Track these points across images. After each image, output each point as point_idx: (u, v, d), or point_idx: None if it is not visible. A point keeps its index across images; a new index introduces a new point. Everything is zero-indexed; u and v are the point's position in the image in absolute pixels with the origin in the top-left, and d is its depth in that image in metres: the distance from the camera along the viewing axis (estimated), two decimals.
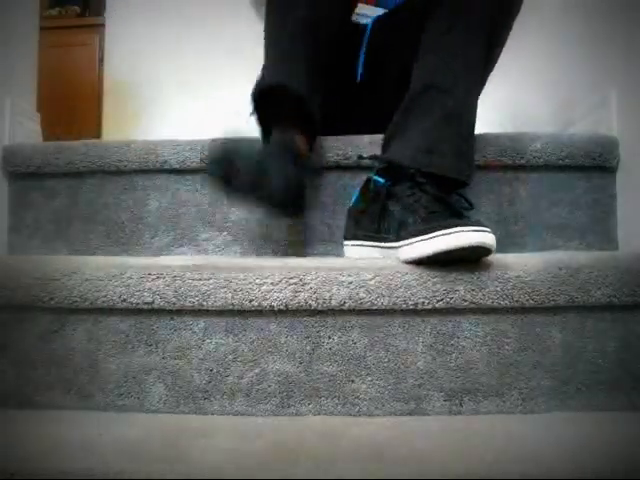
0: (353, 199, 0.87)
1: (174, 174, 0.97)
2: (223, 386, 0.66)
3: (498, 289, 0.64)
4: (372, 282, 0.64)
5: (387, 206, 0.78)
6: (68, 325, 0.67)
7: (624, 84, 0.95)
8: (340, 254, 0.89)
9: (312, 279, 0.65)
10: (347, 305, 0.64)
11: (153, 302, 0.65)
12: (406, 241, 0.68)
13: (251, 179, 0.79)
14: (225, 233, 0.96)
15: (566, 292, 0.65)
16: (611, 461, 0.51)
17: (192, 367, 0.66)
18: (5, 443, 0.56)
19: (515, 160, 0.94)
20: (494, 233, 0.63)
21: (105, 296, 0.65)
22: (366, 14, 0.99)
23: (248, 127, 0.90)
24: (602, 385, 0.65)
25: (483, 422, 0.63)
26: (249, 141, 0.84)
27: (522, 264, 0.66)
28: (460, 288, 0.64)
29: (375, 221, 0.79)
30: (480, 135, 0.89)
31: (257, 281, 0.65)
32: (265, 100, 0.86)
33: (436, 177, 0.77)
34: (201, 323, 0.66)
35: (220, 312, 0.66)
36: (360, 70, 0.99)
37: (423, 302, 0.64)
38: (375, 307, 0.64)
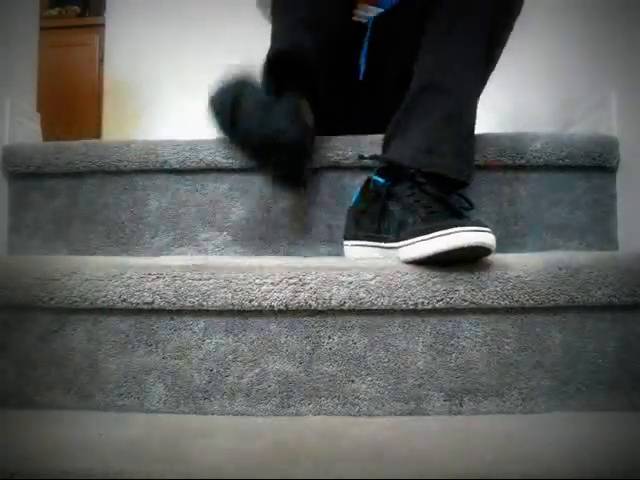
0: (353, 199, 0.87)
1: (174, 174, 0.97)
2: (223, 386, 0.66)
3: (498, 289, 0.64)
4: (372, 282, 0.64)
5: (387, 206, 0.78)
6: (68, 325, 0.67)
7: (624, 84, 0.95)
8: (340, 254, 0.89)
9: (312, 279, 0.65)
10: (347, 305, 0.64)
11: (153, 302, 0.65)
12: (406, 241, 0.68)
13: (256, 117, 0.78)
14: (225, 233, 0.96)
15: (566, 292, 0.65)
16: (611, 461, 0.51)
17: (192, 367, 0.66)
18: (5, 443, 0.56)
19: (515, 160, 0.94)
20: (494, 233, 0.63)
21: (105, 296, 0.65)
22: (366, 14, 1.00)
23: None
24: (602, 385, 0.65)
25: (483, 422, 0.63)
26: (257, 84, 0.83)
27: (522, 264, 0.66)
28: (460, 288, 0.64)
29: (375, 221, 0.79)
30: (480, 135, 0.89)
31: (257, 281, 0.65)
32: (276, 66, 0.85)
33: (436, 177, 0.77)
34: (201, 323, 0.66)
35: (220, 312, 0.66)
36: (362, 69, 0.99)
37: (423, 302, 0.64)
38: (375, 307, 0.64)
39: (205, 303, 0.65)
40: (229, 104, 0.79)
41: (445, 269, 0.65)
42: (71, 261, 0.71)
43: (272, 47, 0.87)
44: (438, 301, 0.64)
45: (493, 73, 0.88)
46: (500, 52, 0.86)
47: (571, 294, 0.65)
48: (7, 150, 1.00)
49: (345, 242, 0.86)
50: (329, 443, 0.57)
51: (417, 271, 0.65)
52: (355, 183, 0.92)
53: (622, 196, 0.94)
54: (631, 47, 0.93)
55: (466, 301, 0.64)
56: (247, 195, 0.96)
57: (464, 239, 0.61)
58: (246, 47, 1.09)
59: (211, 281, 0.65)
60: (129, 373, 0.66)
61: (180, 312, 0.66)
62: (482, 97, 0.86)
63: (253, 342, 0.66)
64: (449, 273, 0.65)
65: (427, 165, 0.77)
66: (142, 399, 0.66)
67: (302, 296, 0.64)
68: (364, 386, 0.65)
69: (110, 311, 0.67)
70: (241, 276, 0.65)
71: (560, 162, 0.94)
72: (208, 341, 0.66)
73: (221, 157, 0.96)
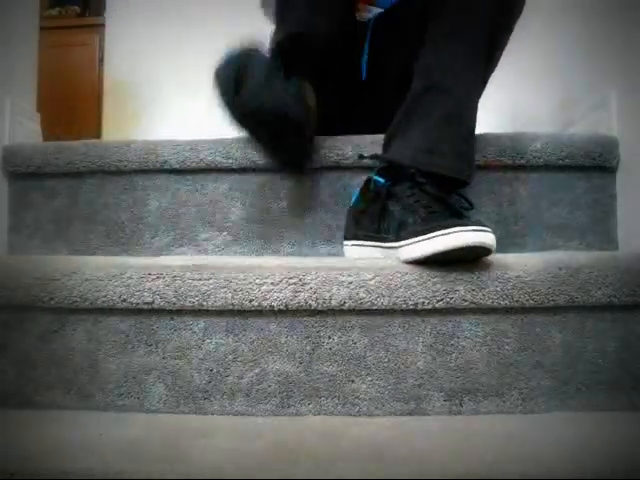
0: (353, 199, 0.87)
1: (174, 174, 0.97)
2: (223, 386, 0.66)
3: (498, 289, 0.64)
4: (372, 282, 0.64)
5: (387, 206, 0.78)
6: (68, 325, 0.67)
7: (624, 84, 0.95)
8: (340, 254, 0.89)
9: (312, 279, 0.65)
10: (347, 305, 0.64)
11: (153, 302, 0.65)
12: (406, 241, 0.68)
13: (260, 88, 0.78)
14: (225, 233, 0.96)
15: (566, 292, 0.65)
16: (611, 461, 0.51)
17: (192, 367, 0.66)
18: (5, 443, 0.56)
19: (515, 160, 0.94)
20: (494, 233, 0.63)
21: (105, 296, 0.65)
22: (367, 14, 1.00)
23: None
24: (602, 385, 0.65)
25: (483, 422, 0.63)
26: (262, 57, 0.83)
27: (522, 264, 0.66)
28: (460, 288, 0.64)
29: (375, 221, 0.79)
30: (480, 135, 0.89)
31: (257, 281, 0.65)
32: (288, 49, 0.85)
33: (436, 177, 0.77)
34: (201, 323, 0.66)
35: (220, 312, 0.66)
36: (364, 69, 0.99)
37: (423, 302, 0.64)
38: (375, 307, 0.64)
39: (205, 303, 0.65)
40: (234, 74, 0.79)
41: (445, 269, 0.65)
42: (71, 261, 0.71)
43: (283, 30, 0.86)
44: (438, 301, 0.64)
45: (493, 74, 0.88)
46: (501, 53, 0.86)
47: (571, 294, 0.65)
48: (7, 150, 1.00)
49: (345, 242, 0.86)
50: (329, 443, 0.57)
51: (417, 271, 0.65)
52: (355, 183, 0.92)
53: (622, 196, 0.94)
54: (630, 47, 0.93)
55: (466, 301, 0.64)
56: (247, 195, 0.96)
57: (464, 239, 0.61)
58: None
59: (211, 281, 0.65)
60: (129, 373, 0.66)
61: (180, 312, 0.66)
62: (482, 97, 0.86)
63: (253, 342, 0.66)
64: (449, 273, 0.65)
65: (427, 165, 0.77)
66: (142, 399, 0.66)
67: (302, 296, 0.64)
68: (364, 386, 0.65)
69: (110, 311, 0.67)
70: (241, 276, 0.65)
71: (560, 162, 0.94)
72: (208, 341, 0.66)
73: (221, 157, 0.96)
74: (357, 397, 0.65)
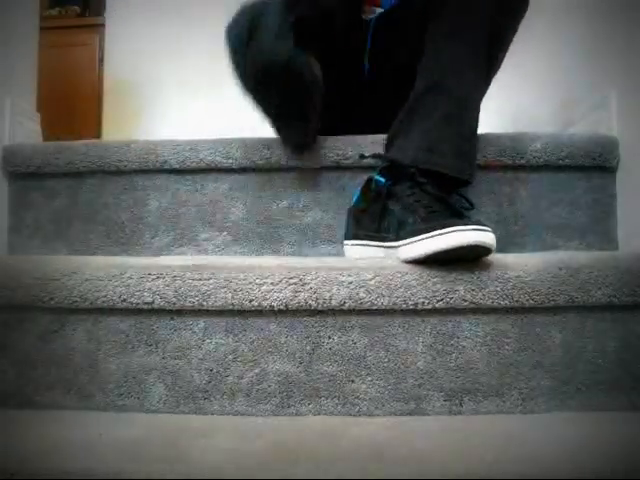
0: (354, 199, 0.87)
1: (174, 174, 0.97)
2: (223, 386, 0.66)
3: (498, 289, 0.64)
4: (372, 282, 0.64)
5: (387, 206, 0.78)
6: (68, 325, 0.67)
7: (624, 84, 0.95)
8: (340, 254, 0.89)
9: (312, 279, 0.65)
10: (347, 305, 0.64)
11: (153, 302, 0.65)
12: (406, 240, 0.68)
13: (273, 36, 0.78)
14: (225, 233, 0.96)
15: (566, 292, 0.65)
16: (611, 461, 0.51)
17: (192, 367, 0.66)
18: (5, 443, 0.56)
19: (515, 160, 0.94)
20: (494, 233, 0.63)
21: (105, 296, 0.65)
22: (369, 15, 1.00)
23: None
24: (602, 385, 0.65)
25: (483, 422, 0.63)
26: (274, 15, 0.82)
27: (522, 264, 0.66)
28: (460, 288, 0.64)
29: (375, 220, 0.80)
30: (480, 135, 0.89)
31: (257, 281, 0.65)
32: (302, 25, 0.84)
33: (437, 177, 0.77)
34: (201, 323, 0.66)
35: (220, 312, 0.66)
36: (367, 69, 0.99)
37: (423, 302, 0.64)
38: (375, 307, 0.64)
39: (205, 303, 0.65)
40: (247, 24, 0.79)
41: (445, 269, 0.65)
42: (71, 261, 0.71)
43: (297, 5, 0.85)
44: (438, 301, 0.64)
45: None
46: (504, 53, 0.86)
47: (571, 294, 0.65)
48: (7, 150, 1.00)
49: (345, 242, 0.86)
50: (329, 443, 0.57)
51: (417, 271, 0.65)
52: (355, 183, 0.92)
53: (622, 196, 0.94)
54: (631, 47, 0.93)
55: (466, 301, 0.64)
56: (247, 195, 0.96)
57: (464, 238, 0.61)
58: None
59: (211, 281, 0.65)
60: (129, 373, 0.66)
61: (180, 312, 0.66)
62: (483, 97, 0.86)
63: (253, 342, 0.66)
64: (449, 273, 0.65)
65: (427, 163, 0.77)
66: (142, 399, 0.66)
67: (302, 296, 0.64)
68: (364, 386, 0.65)
69: (110, 311, 0.67)
70: (241, 276, 0.65)
71: (560, 162, 0.94)
72: (208, 341, 0.66)
73: (221, 157, 0.96)
74: (357, 397, 0.65)
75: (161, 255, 0.94)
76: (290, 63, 0.79)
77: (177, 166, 0.96)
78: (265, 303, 0.64)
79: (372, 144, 0.92)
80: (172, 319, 0.67)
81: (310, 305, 0.64)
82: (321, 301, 0.64)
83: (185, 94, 2.55)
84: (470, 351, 0.66)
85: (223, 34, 0.83)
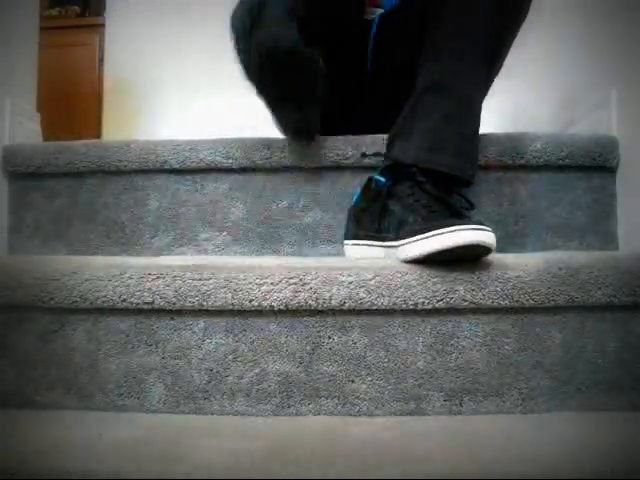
0: (354, 199, 0.87)
1: (174, 174, 0.97)
2: (223, 386, 0.66)
3: (498, 289, 0.64)
4: (372, 282, 0.64)
5: (388, 205, 0.78)
6: (68, 325, 0.67)
7: (624, 84, 0.95)
8: (340, 254, 0.89)
9: (312, 279, 0.65)
10: (347, 305, 0.64)
11: (153, 302, 0.65)
12: (406, 240, 0.68)
13: (278, 20, 0.79)
14: (225, 233, 0.96)
15: (566, 292, 0.65)
16: (611, 461, 0.51)
17: (192, 367, 0.66)
18: (5, 443, 0.56)
19: (515, 160, 0.94)
20: (494, 233, 0.63)
21: (105, 296, 0.65)
22: (371, 16, 1.00)
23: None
24: (602, 385, 0.65)
25: (483, 422, 0.63)
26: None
27: (522, 264, 0.66)
28: (460, 288, 0.64)
29: (375, 220, 0.80)
30: (481, 135, 0.89)
31: (257, 281, 0.65)
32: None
33: (438, 177, 0.77)
34: (201, 323, 0.66)
35: (220, 312, 0.66)
36: (369, 68, 0.99)
37: (423, 302, 0.64)
38: (375, 307, 0.64)
39: (205, 303, 0.65)
40: (250, 8, 0.79)
41: (445, 269, 0.65)
42: (71, 261, 0.71)
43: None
44: (438, 301, 0.64)
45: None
46: (504, 54, 0.86)
47: (571, 294, 0.65)
48: (7, 150, 1.00)
49: (345, 241, 0.86)
50: (329, 443, 0.57)
51: (417, 271, 0.65)
52: (355, 183, 0.92)
53: (622, 196, 0.94)
54: (631, 47, 0.93)
55: (466, 301, 0.64)
56: (247, 195, 0.96)
57: (464, 237, 0.61)
58: None
59: (211, 281, 0.65)
60: (129, 373, 0.66)
61: (180, 312, 0.66)
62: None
63: (253, 342, 0.66)
64: (449, 273, 0.65)
65: (428, 162, 0.77)
66: (142, 399, 0.66)
67: (302, 296, 0.64)
68: (364, 386, 0.65)
69: (110, 311, 0.67)
70: (241, 276, 0.65)
71: (560, 162, 0.94)
72: (208, 341, 0.66)
73: (221, 157, 0.96)
74: (357, 397, 0.65)
75: (161, 255, 0.94)
76: (295, 47, 0.80)
77: (177, 166, 0.96)
78: (265, 303, 0.64)
79: (372, 144, 0.92)
80: (172, 319, 0.67)
81: (310, 305, 0.64)
82: (321, 301, 0.64)
83: (185, 94, 2.56)
84: (470, 351, 0.66)
85: (223, 33, 0.83)
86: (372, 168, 0.88)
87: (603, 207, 0.94)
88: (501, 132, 0.98)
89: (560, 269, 0.65)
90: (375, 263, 0.67)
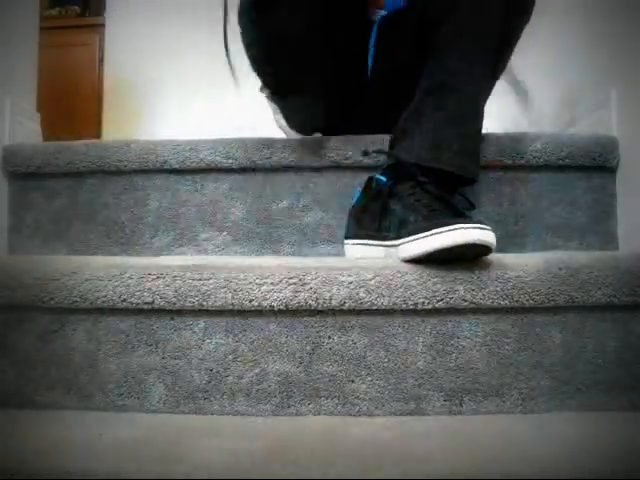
0: (355, 198, 0.87)
1: (174, 174, 0.97)
2: (223, 386, 0.66)
3: (498, 289, 0.64)
4: (372, 282, 0.64)
5: (388, 205, 0.78)
6: (68, 325, 0.67)
7: (624, 84, 0.95)
8: (340, 254, 0.89)
9: (312, 279, 0.65)
10: (347, 305, 0.64)
11: (153, 302, 0.65)
12: (406, 239, 0.68)
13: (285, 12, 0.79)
14: (225, 233, 0.96)
15: (566, 292, 0.65)
16: (611, 461, 0.51)
17: (192, 367, 0.66)
18: (5, 443, 0.56)
19: (515, 160, 0.94)
20: (494, 232, 0.63)
21: (105, 296, 0.65)
22: (374, 17, 1.00)
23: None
24: (602, 385, 0.65)
25: (483, 422, 0.63)
26: None
27: (522, 264, 0.66)
28: (460, 288, 0.64)
29: (376, 219, 0.80)
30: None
31: (257, 281, 0.65)
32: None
33: (439, 176, 0.77)
34: (201, 323, 0.66)
35: (220, 312, 0.66)
36: (369, 68, 0.99)
37: (423, 302, 0.64)
38: (375, 307, 0.64)
39: (205, 303, 0.65)
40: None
41: (445, 269, 0.65)
42: (71, 261, 0.71)
43: None
44: (438, 301, 0.64)
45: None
46: (509, 54, 0.87)
47: (571, 294, 0.65)
48: (7, 150, 1.00)
49: (346, 241, 0.86)
50: (329, 443, 0.57)
51: (417, 271, 0.65)
52: (355, 183, 0.92)
53: (622, 196, 0.94)
54: (631, 47, 0.93)
55: (466, 301, 0.64)
56: (247, 195, 0.96)
57: (464, 236, 0.61)
58: None
59: (211, 281, 0.65)
60: (129, 373, 0.66)
61: (180, 312, 0.66)
62: None
63: (253, 342, 0.66)
64: (449, 273, 0.65)
65: (432, 161, 0.77)
66: (142, 399, 0.66)
67: (302, 296, 0.64)
68: (364, 386, 0.65)
69: (110, 311, 0.67)
70: (241, 276, 0.65)
71: (560, 162, 0.94)
72: (208, 341, 0.66)
73: (221, 157, 0.96)
74: (357, 397, 0.65)
75: (161, 255, 0.94)
76: (305, 34, 0.80)
77: (177, 166, 0.96)
78: (265, 303, 0.64)
79: (372, 144, 0.92)
80: (172, 319, 0.67)
81: (310, 305, 0.64)
82: (321, 301, 0.64)
83: (185, 94, 2.56)
84: (470, 351, 0.66)
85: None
86: (372, 168, 0.88)
87: (603, 207, 0.94)
88: (501, 132, 0.98)
89: (560, 269, 0.65)
90: (375, 263, 0.67)
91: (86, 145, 0.99)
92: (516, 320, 0.66)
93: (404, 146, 0.82)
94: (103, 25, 2.81)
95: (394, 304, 0.64)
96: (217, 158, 0.96)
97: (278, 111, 1.02)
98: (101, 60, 2.82)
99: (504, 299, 0.64)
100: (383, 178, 0.80)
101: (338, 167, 0.95)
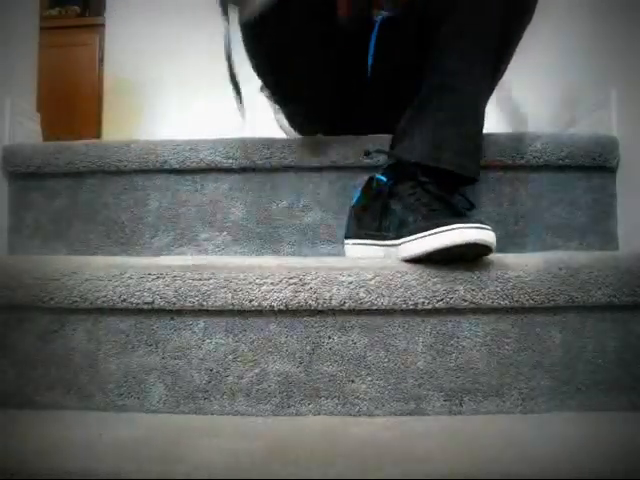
0: (355, 198, 0.87)
1: (174, 174, 0.97)
2: (223, 386, 0.66)
3: (498, 289, 0.64)
4: (372, 282, 0.64)
5: (389, 204, 0.78)
6: (68, 325, 0.67)
7: (624, 84, 0.95)
8: (340, 254, 0.89)
9: (312, 279, 0.65)
10: (347, 305, 0.64)
11: (153, 302, 0.65)
12: (406, 238, 0.68)
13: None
14: (225, 233, 0.96)
15: (566, 292, 0.65)
16: (611, 461, 0.51)
17: (192, 367, 0.66)
18: (5, 443, 0.56)
19: (515, 160, 0.94)
20: (494, 232, 0.63)
21: (105, 296, 0.65)
22: (375, 18, 1.00)
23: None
24: (602, 385, 0.65)
25: (483, 422, 0.63)
26: None
27: (522, 264, 0.66)
28: (460, 288, 0.64)
29: (376, 219, 0.80)
30: None
31: (257, 281, 0.65)
32: None
33: (440, 176, 0.77)
34: (201, 323, 0.66)
35: (220, 312, 0.66)
36: (369, 69, 0.99)
37: (423, 302, 0.64)
38: (375, 307, 0.64)
39: (205, 303, 0.65)
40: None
41: (445, 269, 0.65)
42: (71, 261, 0.71)
43: None
44: (438, 301, 0.64)
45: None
46: (510, 55, 0.86)
47: (571, 294, 0.65)
48: (7, 150, 1.00)
49: (346, 241, 0.86)
50: (329, 443, 0.57)
51: (417, 271, 0.65)
52: (355, 183, 0.92)
53: (622, 196, 0.94)
54: (631, 47, 0.93)
55: (466, 301, 0.64)
56: (247, 195, 0.96)
57: (464, 236, 0.61)
58: None
59: (211, 281, 0.65)
60: (129, 373, 0.66)
61: (180, 312, 0.66)
62: None
63: (253, 342, 0.66)
64: (449, 273, 0.65)
65: (433, 161, 0.78)
66: (142, 399, 0.66)
67: (302, 296, 0.64)
68: (364, 386, 0.65)
69: (110, 311, 0.67)
70: (241, 276, 0.65)
71: (560, 162, 0.94)
72: (208, 341, 0.66)
73: (221, 157, 0.96)
74: (357, 397, 0.65)
75: (161, 255, 0.94)
76: (302, 46, 0.80)
77: (177, 166, 0.96)
78: (265, 303, 0.64)
79: (372, 144, 0.92)
80: (172, 319, 0.67)
81: (310, 305, 0.64)
82: (321, 301, 0.64)
83: (185, 94, 2.56)
84: (470, 351, 0.66)
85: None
86: (372, 168, 0.88)
87: (603, 207, 0.94)
88: (501, 132, 0.98)
89: (560, 269, 0.65)
90: (375, 263, 0.67)
91: (86, 145, 0.99)
92: (516, 320, 0.66)
93: (405, 146, 0.82)
94: (103, 25, 2.81)
95: (394, 304, 0.64)
96: (217, 158, 0.96)
97: (279, 111, 1.02)
98: (101, 60, 2.83)
99: (504, 299, 0.64)
100: (383, 178, 0.80)
101: (338, 167, 0.95)
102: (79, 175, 0.98)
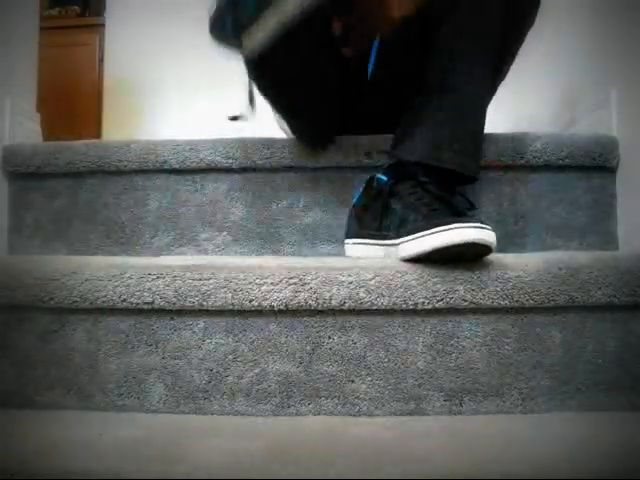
0: (355, 198, 0.87)
1: (174, 174, 0.97)
2: (223, 386, 0.66)
3: (498, 289, 0.64)
4: (372, 282, 0.64)
5: (389, 204, 0.78)
6: (68, 325, 0.67)
7: (624, 84, 0.95)
8: (341, 254, 0.89)
9: (312, 279, 0.65)
10: (347, 305, 0.64)
11: (153, 302, 0.65)
12: (406, 238, 0.68)
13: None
14: (225, 233, 0.96)
15: (566, 292, 0.65)
16: (610, 461, 0.51)
17: (192, 367, 0.66)
18: (5, 443, 0.56)
19: (515, 160, 0.94)
20: (494, 232, 0.63)
21: (105, 296, 0.65)
22: None
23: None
24: (602, 385, 0.65)
25: (483, 422, 0.63)
26: None
27: (522, 264, 0.66)
28: (460, 288, 0.64)
29: (377, 218, 0.80)
30: None
31: (257, 281, 0.65)
32: None
33: (441, 176, 0.77)
34: (201, 323, 0.66)
35: (220, 312, 0.66)
36: (370, 70, 0.99)
37: (423, 302, 0.64)
38: (375, 307, 0.64)
39: (205, 303, 0.65)
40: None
41: (445, 269, 0.65)
42: (71, 261, 0.71)
43: None
44: (438, 301, 0.64)
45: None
46: (512, 56, 0.87)
47: (571, 294, 0.65)
48: (7, 150, 1.00)
49: (346, 240, 0.87)
50: (329, 443, 0.57)
51: (417, 271, 0.65)
52: (355, 183, 0.92)
53: (622, 196, 0.94)
54: (631, 47, 0.93)
55: (466, 301, 0.64)
56: (247, 195, 0.96)
57: (464, 235, 0.61)
58: None
59: (211, 281, 0.65)
60: (129, 373, 0.66)
61: (180, 312, 0.66)
62: None
63: (253, 342, 0.66)
64: (449, 273, 0.65)
65: (434, 160, 0.78)
66: (142, 399, 0.66)
67: (302, 296, 0.64)
68: (364, 386, 0.65)
69: (110, 311, 0.67)
70: (241, 276, 0.65)
71: (560, 162, 0.94)
72: (208, 341, 0.66)
73: (221, 157, 0.96)
74: (357, 397, 0.65)
75: (161, 255, 0.94)
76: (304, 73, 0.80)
77: (177, 166, 0.96)
78: (265, 303, 0.64)
79: (372, 144, 0.92)
80: (172, 319, 0.67)
81: (310, 305, 0.64)
82: (321, 301, 0.64)
83: (185, 94, 2.56)
84: (470, 351, 0.66)
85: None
86: (372, 168, 0.88)
87: (603, 207, 0.94)
88: (501, 132, 0.98)
89: (560, 269, 0.65)
90: (375, 263, 0.67)
91: (86, 145, 0.99)
92: (516, 320, 0.66)
93: (405, 146, 0.82)
94: (103, 25, 2.81)
95: (394, 304, 0.64)
96: (217, 158, 0.96)
97: None
98: (101, 60, 2.83)
99: (504, 299, 0.64)
100: (384, 177, 0.80)
101: (338, 167, 0.95)
102: (79, 175, 0.98)
